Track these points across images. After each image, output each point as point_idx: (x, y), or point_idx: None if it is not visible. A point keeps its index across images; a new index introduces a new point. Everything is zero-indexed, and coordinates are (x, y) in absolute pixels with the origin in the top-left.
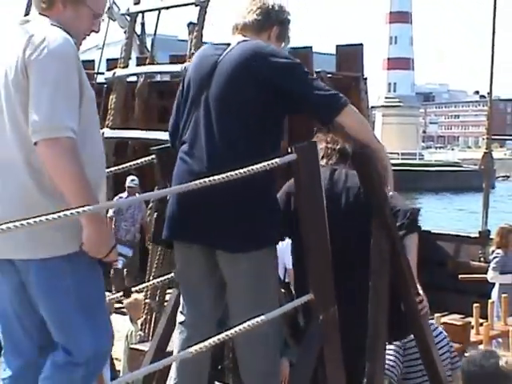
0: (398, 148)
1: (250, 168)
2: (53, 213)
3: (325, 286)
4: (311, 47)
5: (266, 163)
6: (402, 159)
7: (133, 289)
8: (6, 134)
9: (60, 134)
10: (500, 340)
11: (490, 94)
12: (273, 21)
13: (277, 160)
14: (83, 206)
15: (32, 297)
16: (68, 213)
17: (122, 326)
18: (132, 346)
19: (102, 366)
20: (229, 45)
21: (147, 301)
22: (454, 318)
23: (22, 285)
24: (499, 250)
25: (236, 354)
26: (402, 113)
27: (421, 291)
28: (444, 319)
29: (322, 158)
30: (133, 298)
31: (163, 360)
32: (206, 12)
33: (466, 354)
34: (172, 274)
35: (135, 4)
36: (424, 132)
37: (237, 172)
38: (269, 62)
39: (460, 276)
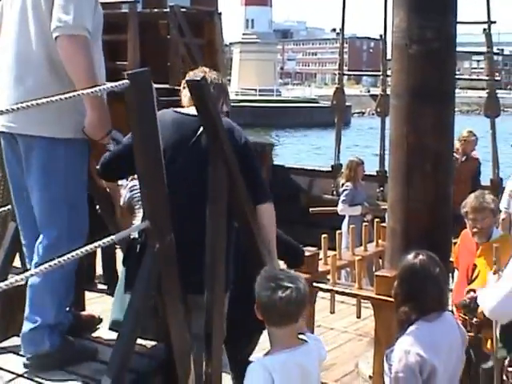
0: (255, 84)
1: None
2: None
3: (160, 213)
4: None
5: (100, 87)
6: (260, 95)
7: None
8: (30, 31)
9: (81, 32)
10: (348, 269)
11: (342, 29)
12: (223, 90)
13: (109, 85)
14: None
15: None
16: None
17: None
18: None
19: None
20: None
21: None
22: (305, 249)
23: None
24: (348, 183)
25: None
26: (259, 49)
27: None
28: None
29: None
30: None
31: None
32: None
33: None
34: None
35: None
36: (281, 69)
37: None
38: (242, 139)
39: (311, 209)
